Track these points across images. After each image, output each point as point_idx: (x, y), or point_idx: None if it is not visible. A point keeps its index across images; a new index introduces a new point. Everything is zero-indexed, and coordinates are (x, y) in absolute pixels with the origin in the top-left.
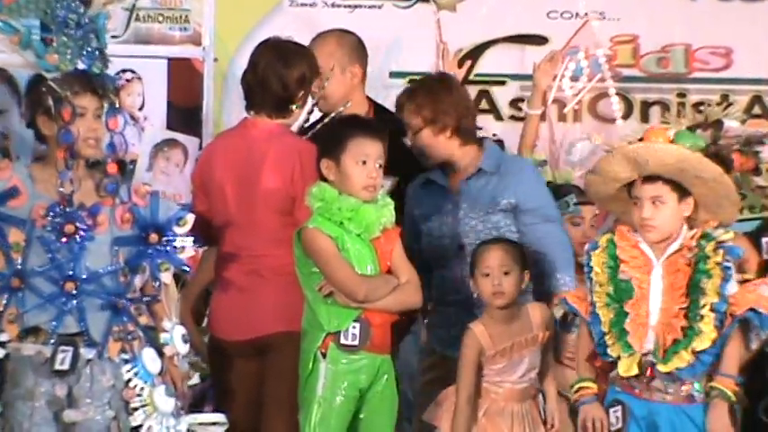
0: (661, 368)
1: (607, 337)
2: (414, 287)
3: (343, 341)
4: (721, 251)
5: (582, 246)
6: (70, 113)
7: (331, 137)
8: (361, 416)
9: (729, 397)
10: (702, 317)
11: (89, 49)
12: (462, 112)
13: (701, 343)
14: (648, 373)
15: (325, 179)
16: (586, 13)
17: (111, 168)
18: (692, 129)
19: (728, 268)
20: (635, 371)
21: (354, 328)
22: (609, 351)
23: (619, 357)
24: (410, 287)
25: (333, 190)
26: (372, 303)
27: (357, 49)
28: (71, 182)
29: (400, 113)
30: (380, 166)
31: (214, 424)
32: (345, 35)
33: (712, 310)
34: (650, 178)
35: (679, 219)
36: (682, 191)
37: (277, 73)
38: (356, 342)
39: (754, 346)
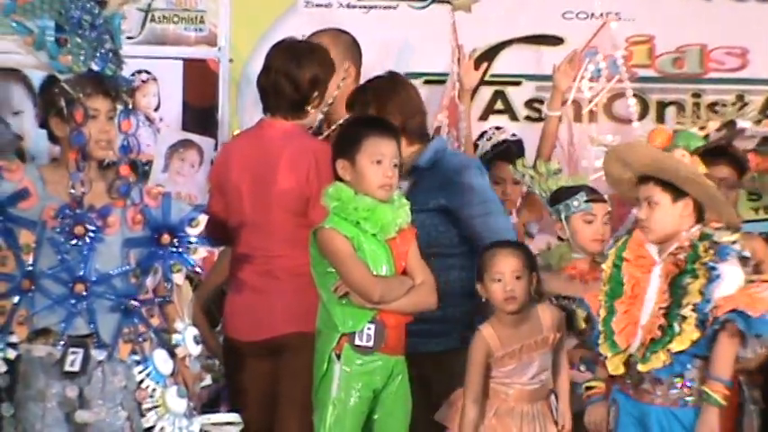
0: (640, 368)
1: (600, 336)
2: (429, 288)
3: (357, 342)
4: (711, 251)
5: (594, 242)
6: (82, 115)
7: (346, 137)
8: (375, 416)
9: (717, 401)
10: (684, 317)
11: (102, 50)
12: (409, 112)
13: (679, 344)
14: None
15: (341, 179)
16: (602, 14)
17: (124, 170)
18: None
19: (714, 269)
20: (621, 370)
21: (369, 329)
22: (600, 350)
23: (607, 356)
24: (425, 288)
25: (349, 190)
26: (387, 304)
27: (351, 49)
28: (82, 183)
29: (349, 112)
30: (396, 165)
31: (229, 424)
32: (340, 35)
33: (694, 310)
34: (644, 179)
35: (676, 219)
36: (677, 191)
37: (289, 74)
38: (371, 343)
39: (759, 349)
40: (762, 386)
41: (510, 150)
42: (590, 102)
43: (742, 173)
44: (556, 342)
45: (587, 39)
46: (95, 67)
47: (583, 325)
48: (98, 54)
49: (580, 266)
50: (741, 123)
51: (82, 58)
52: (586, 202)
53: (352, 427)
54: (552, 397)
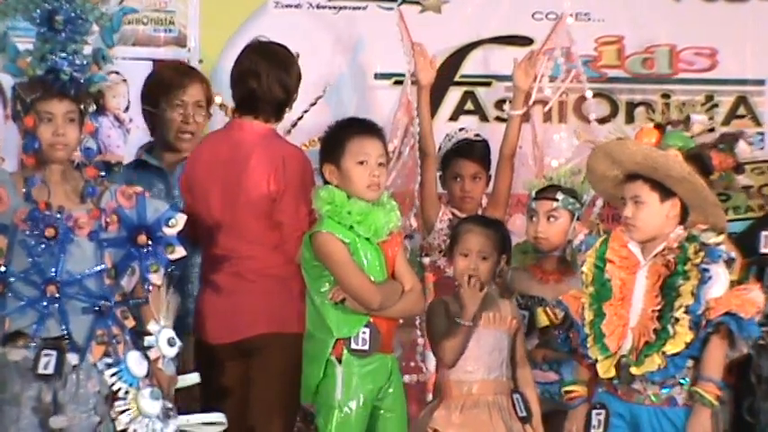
0: (634, 371)
1: (588, 339)
2: (418, 294)
3: (353, 346)
4: (701, 253)
5: (534, 239)
6: (33, 120)
7: (330, 141)
8: (377, 414)
9: (710, 402)
10: (677, 319)
11: (65, 53)
12: None
13: (674, 346)
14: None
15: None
16: (572, 15)
17: (90, 172)
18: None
19: (707, 270)
20: (612, 373)
21: (365, 333)
22: (589, 353)
23: (597, 360)
24: (414, 295)
25: (342, 193)
26: (384, 311)
27: None
28: (41, 185)
29: None
30: (382, 164)
31: (211, 424)
32: None
33: (687, 312)
34: (632, 177)
35: (662, 219)
36: (664, 191)
37: (282, 81)
38: (366, 347)
39: (745, 350)
40: (732, 387)
41: (472, 148)
42: (547, 103)
43: (705, 172)
44: (514, 329)
45: (547, 37)
46: (53, 69)
47: (542, 324)
48: (62, 55)
49: (545, 266)
50: (695, 118)
51: (39, 59)
52: (534, 199)
53: (357, 428)
54: (518, 396)
